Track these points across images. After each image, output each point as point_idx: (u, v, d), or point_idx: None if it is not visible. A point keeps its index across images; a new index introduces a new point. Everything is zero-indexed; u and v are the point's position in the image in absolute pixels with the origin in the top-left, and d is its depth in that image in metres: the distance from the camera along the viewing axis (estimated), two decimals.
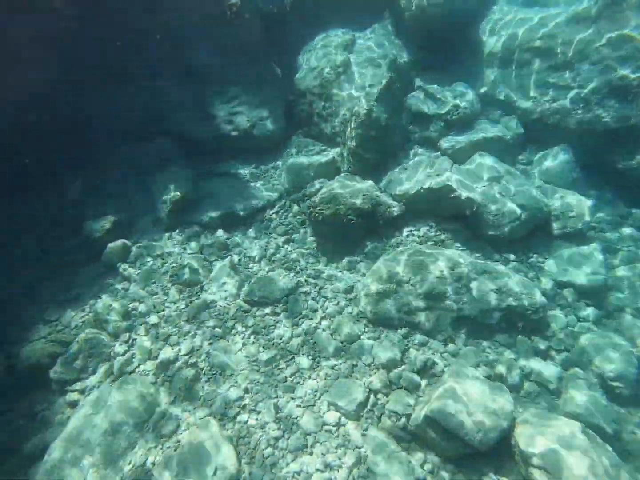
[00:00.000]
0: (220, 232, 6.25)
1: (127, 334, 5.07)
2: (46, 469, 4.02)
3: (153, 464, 4.09)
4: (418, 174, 6.06)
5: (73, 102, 6.27)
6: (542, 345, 4.72)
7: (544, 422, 3.73)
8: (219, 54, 7.55)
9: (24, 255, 5.75)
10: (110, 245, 5.83)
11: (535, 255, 5.58)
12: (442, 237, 5.67)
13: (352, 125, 6.39)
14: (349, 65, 7.09)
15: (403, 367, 4.56)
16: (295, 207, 6.57)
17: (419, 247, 5.31)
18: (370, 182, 6.16)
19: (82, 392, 4.64)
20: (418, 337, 4.83)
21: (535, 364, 4.58)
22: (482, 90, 6.91)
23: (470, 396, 3.85)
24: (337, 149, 6.95)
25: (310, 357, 4.73)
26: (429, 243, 5.59)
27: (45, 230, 5.99)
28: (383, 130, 6.39)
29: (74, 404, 4.56)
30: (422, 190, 5.71)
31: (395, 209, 5.83)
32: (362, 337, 4.90)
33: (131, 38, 6.59)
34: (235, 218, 6.41)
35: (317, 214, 5.77)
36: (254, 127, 7.31)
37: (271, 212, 6.59)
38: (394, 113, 6.69)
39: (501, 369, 4.48)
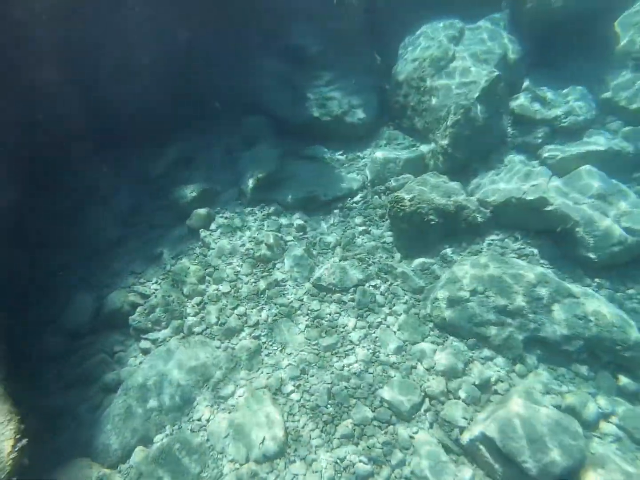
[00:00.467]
0: (299, 214, 6.40)
1: (200, 298, 5.42)
2: (118, 403, 4.51)
3: (207, 420, 4.39)
4: (511, 181, 5.68)
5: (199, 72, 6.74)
6: (631, 387, 4.23)
7: (625, 473, 3.36)
8: (320, 37, 7.61)
9: (119, 209, 6.38)
10: (196, 211, 6.23)
11: (636, 287, 4.99)
12: (527, 251, 5.29)
13: (447, 123, 6.14)
14: (454, 58, 6.78)
15: (464, 378, 4.39)
16: (377, 200, 6.51)
17: (500, 258, 5.01)
18: (458, 184, 5.90)
19: (154, 342, 5.08)
20: (485, 351, 4.60)
21: (619, 405, 4.14)
22: (603, 95, 6.18)
23: (534, 423, 3.61)
24: (427, 146, 6.73)
25: (370, 351, 4.72)
26: (512, 255, 5.25)
27: (140, 188, 6.59)
28: (479, 130, 6.06)
29: (146, 351, 5.01)
30: (513, 200, 5.36)
31: (480, 215, 5.54)
32: (425, 340, 4.78)
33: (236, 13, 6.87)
34: (316, 202, 6.51)
35: (398, 210, 5.67)
36: (345, 114, 7.32)
37: (352, 200, 6.59)
38: (495, 113, 6.30)
39: (574, 401, 4.12)
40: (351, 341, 4.83)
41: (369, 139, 7.43)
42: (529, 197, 5.23)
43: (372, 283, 5.38)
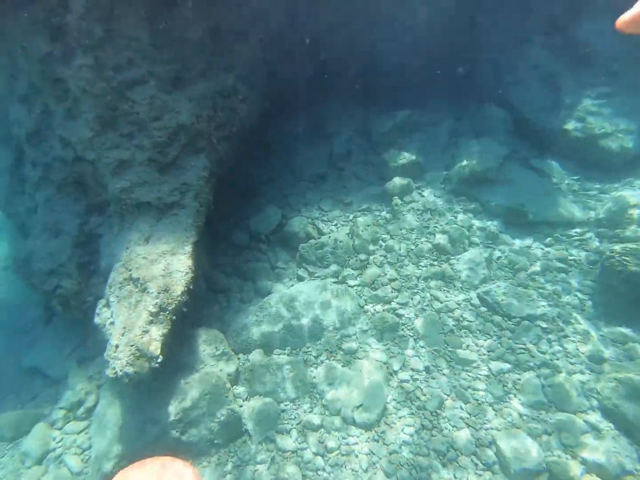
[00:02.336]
0: (497, 222, 5.85)
1: (366, 256, 5.58)
2: (260, 308, 5.10)
3: (322, 362, 4.63)
4: None
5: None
6: None
7: None
8: (619, 37, 6.39)
9: (333, 151, 6.93)
10: (397, 178, 6.30)
11: None
12: None
13: None
14: None
15: None
16: (594, 242, 5.43)
17: None
18: None
19: (310, 274, 5.51)
20: None
21: None
22: None
23: None
24: None
25: (504, 389, 4.16)
26: None
27: (359, 139, 6.98)
28: None
29: (301, 279, 5.49)
30: None
31: None
32: (578, 414, 3.94)
33: None
34: (521, 218, 5.80)
35: (617, 263, 4.64)
36: (605, 136, 6.14)
37: (563, 232, 5.66)
38: None
39: None
40: (489, 369, 4.33)
41: (620, 174, 6.13)
42: None
43: (543, 325, 4.63)
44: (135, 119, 4.58)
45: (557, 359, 4.34)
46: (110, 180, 4.55)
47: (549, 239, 5.60)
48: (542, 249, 5.54)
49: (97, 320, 4.25)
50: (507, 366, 4.32)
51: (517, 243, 5.64)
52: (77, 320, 5.11)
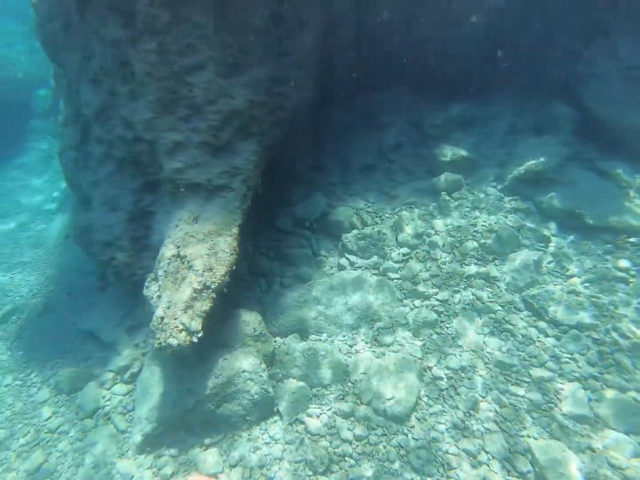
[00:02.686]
0: (551, 224, 5.56)
1: (408, 250, 5.50)
2: (299, 293, 5.21)
3: (357, 351, 4.65)
4: None
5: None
6: None
7: None
8: None
9: (384, 142, 6.84)
10: (447, 174, 6.12)
11: None
12: None
13: None
14: None
15: None
16: None
17: None
18: None
19: (351, 264, 5.51)
20: None
21: None
22: None
23: None
24: None
25: (545, 398, 3.99)
26: None
27: (410, 132, 6.84)
28: None
29: (341, 268, 5.50)
30: None
31: None
32: (634, 437, 3.69)
33: None
34: (578, 221, 5.47)
35: None
36: None
37: (628, 239, 5.26)
38: None
39: None
40: (530, 374, 4.15)
41: None
42: None
43: (593, 335, 4.36)
44: (192, 102, 4.75)
45: (609, 373, 4.08)
46: (165, 161, 4.76)
47: (609, 245, 5.25)
48: (600, 255, 5.20)
49: (145, 292, 4.48)
50: (548, 374, 4.13)
51: (572, 248, 5.33)
52: (128, 291, 5.43)
